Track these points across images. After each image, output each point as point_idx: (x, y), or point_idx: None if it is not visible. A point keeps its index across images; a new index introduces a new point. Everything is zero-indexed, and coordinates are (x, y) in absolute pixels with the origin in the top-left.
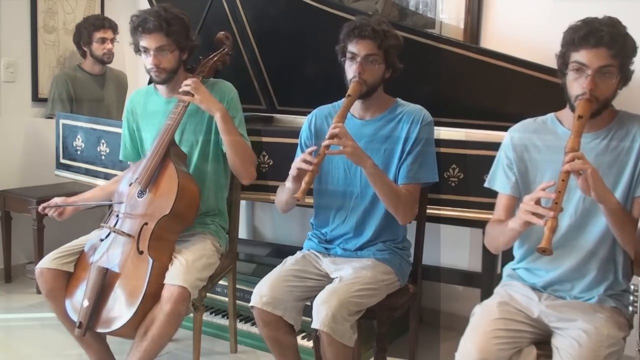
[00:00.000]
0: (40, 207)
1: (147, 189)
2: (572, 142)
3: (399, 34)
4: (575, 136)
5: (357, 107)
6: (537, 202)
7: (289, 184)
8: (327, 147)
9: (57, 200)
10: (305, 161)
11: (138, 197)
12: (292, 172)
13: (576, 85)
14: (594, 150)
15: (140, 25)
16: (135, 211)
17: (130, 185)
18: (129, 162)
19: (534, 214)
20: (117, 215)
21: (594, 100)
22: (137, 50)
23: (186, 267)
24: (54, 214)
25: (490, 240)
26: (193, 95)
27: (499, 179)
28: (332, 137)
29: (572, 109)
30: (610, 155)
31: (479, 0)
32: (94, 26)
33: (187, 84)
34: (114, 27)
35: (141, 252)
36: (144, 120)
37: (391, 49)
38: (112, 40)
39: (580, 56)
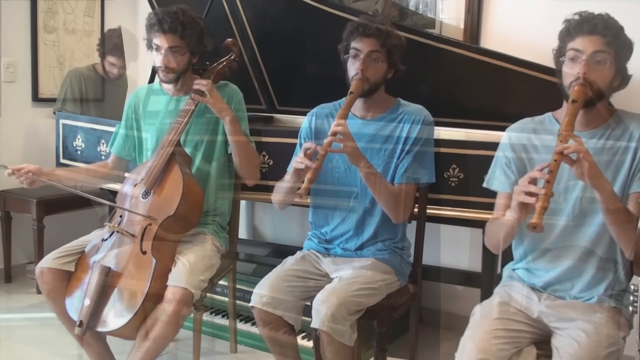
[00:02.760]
0: (9, 170)
1: (152, 190)
2: (565, 125)
3: (401, 35)
4: (569, 120)
5: (358, 106)
6: (532, 182)
7: (288, 177)
8: (330, 144)
9: (30, 167)
10: (301, 162)
11: (142, 198)
12: (292, 168)
13: (571, 75)
14: (591, 148)
15: (156, 24)
16: (139, 212)
17: (134, 186)
18: (112, 154)
19: (527, 194)
20: (121, 215)
21: (588, 86)
22: (150, 46)
23: (189, 268)
24: (24, 182)
25: (490, 238)
26: (206, 96)
27: (498, 179)
28: (334, 134)
29: (566, 98)
30: (608, 154)
31: (479, 0)
32: (107, 50)
33: (203, 83)
34: (122, 57)
35: (144, 253)
36: (145, 120)
37: (394, 48)
38: (121, 68)
39: (575, 43)
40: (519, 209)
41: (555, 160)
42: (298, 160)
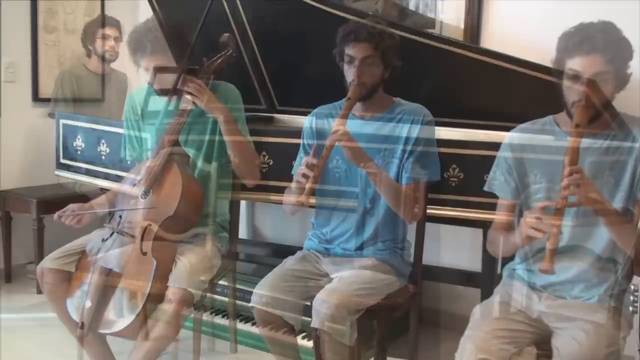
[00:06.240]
0: (55, 216)
1: (151, 190)
2: (570, 154)
3: (394, 33)
4: (574, 148)
5: (357, 106)
6: (539, 218)
7: (294, 185)
8: (330, 150)
9: (73, 207)
10: (304, 175)
11: (141, 198)
12: (297, 177)
13: (572, 92)
14: (595, 152)
15: (138, 50)
16: (138, 212)
17: (133, 186)
18: (129, 162)
19: (537, 231)
20: (120, 216)
21: (591, 107)
22: (137, 64)
23: (190, 269)
24: (72, 222)
25: (492, 247)
26: (197, 97)
27: (499, 183)
28: (331, 144)
29: (569, 115)
30: (611, 157)
31: (479, 0)
32: (96, 24)
33: (191, 86)
34: (116, 25)
35: (144, 254)
36: (145, 120)
37: (388, 49)
38: (116, 39)
39: (574, 63)
40: (525, 239)
41: (563, 199)
42: (299, 173)
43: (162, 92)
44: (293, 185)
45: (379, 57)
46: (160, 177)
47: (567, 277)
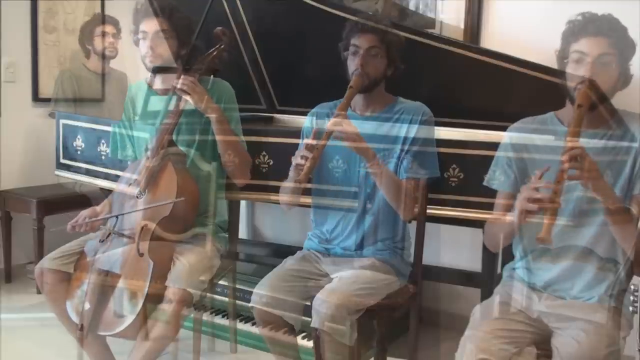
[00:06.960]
0: (68, 227)
1: (146, 190)
2: (571, 132)
3: (400, 34)
4: (575, 126)
5: (358, 103)
6: (536, 191)
7: (290, 175)
8: (330, 134)
9: (85, 213)
10: (303, 157)
11: (137, 197)
12: (295, 160)
13: (576, 77)
14: (593, 148)
15: (140, 11)
16: (135, 213)
17: (129, 186)
18: (129, 162)
19: (534, 201)
20: (117, 217)
21: (593, 89)
22: (137, 34)
23: (189, 269)
24: (86, 230)
25: (489, 237)
26: (189, 94)
27: (498, 178)
28: (334, 123)
29: (571, 101)
30: (609, 154)
31: (479, 0)
32: (93, 23)
33: (183, 82)
34: (114, 23)
35: (141, 255)
36: (142, 120)
37: (393, 45)
38: (114, 36)
39: (580, 45)
40: (522, 214)
41: (562, 171)
42: (297, 155)
43: (154, 68)
44: (289, 179)
45: (384, 50)
46: (155, 177)
47: (566, 276)
